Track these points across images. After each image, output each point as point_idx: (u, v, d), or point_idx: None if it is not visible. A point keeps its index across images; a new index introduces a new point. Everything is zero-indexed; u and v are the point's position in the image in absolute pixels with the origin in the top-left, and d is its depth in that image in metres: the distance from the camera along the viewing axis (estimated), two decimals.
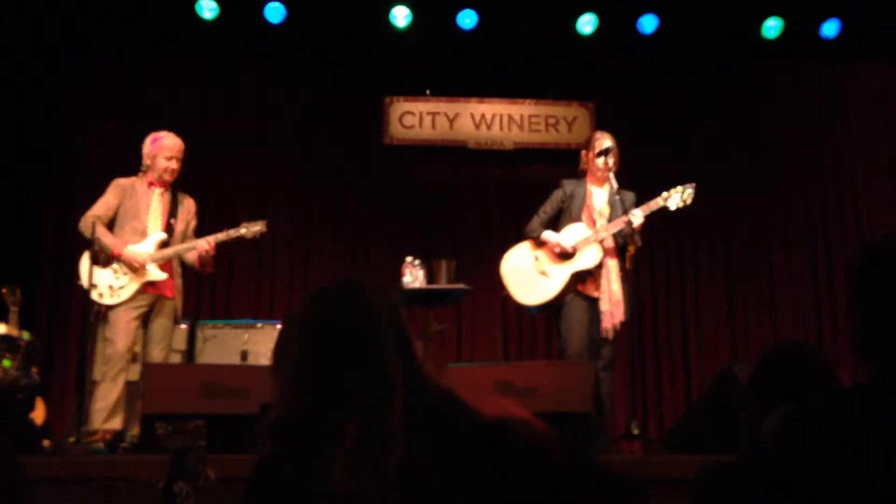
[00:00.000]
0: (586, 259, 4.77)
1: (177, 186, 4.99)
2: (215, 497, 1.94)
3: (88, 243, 4.61)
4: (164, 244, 4.78)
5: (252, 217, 5.03)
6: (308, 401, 1.37)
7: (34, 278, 6.67)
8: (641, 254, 6.89)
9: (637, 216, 4.67)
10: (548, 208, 5.00)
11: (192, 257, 4.86)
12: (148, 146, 4.88)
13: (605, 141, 4.91)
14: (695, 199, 4.83)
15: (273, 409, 1.42)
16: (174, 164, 4.85)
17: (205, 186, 6.54)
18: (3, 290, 5.39)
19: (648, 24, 7.25)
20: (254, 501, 1.37)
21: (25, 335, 5.39)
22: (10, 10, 6.42)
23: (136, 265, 4.66)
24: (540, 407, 3.79)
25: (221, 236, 4.83)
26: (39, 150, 6.97)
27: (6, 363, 5.14)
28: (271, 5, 7.07)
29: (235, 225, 4.92)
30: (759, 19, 7.20)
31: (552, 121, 7.51)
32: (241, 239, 4.96)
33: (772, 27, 7.22)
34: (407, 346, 1.43)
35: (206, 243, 4.74)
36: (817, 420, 1.33)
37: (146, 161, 4.87)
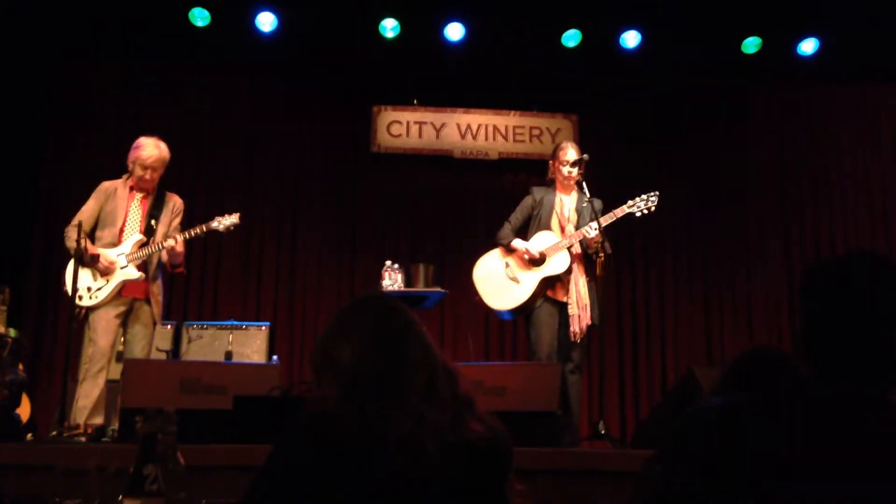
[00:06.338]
0: (555, 265, 4.91)
1: (163, 187, 5.03)
2: (183, 482, 2.00)
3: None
4: (143, 245, 4.82)
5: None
6: (378, 367, 1.71)
7: (23, 278, 6.79)
8: (623, 259, 7.12)
9: (590, 230, 4.82)
10: (518, 215, 5.16)
11: (165, 257, 4.89)
12: (130, 152, 4.90)
13: (569, 151, 5.08)
14: (658, 207, 4.99)
15: (335, 376, 1.74)
16: (149, 175, 4.85)
17: (193, 190, 6.68)
18: None
19: (631, 39, 7.42)
20: (304, 445, 1.60)
21: (13, 332, 5.56)
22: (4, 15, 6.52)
23: (103, 267, 4.70)
24: (508, 405, 3.93)
25: (194, 231, 4.86)
26: (30, 153, 7.08)
27: None
28: (263, 15, 7.23)
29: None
30: (740, 37, 7.37)
31: (536, 132, 7.65)
32: (214, 232, 4.96)
33: (751, 44, 7.39)
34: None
35: (173, 241, 4.76)
36: (755, 404, 1.50)
37: (129, 165, 4.91)
